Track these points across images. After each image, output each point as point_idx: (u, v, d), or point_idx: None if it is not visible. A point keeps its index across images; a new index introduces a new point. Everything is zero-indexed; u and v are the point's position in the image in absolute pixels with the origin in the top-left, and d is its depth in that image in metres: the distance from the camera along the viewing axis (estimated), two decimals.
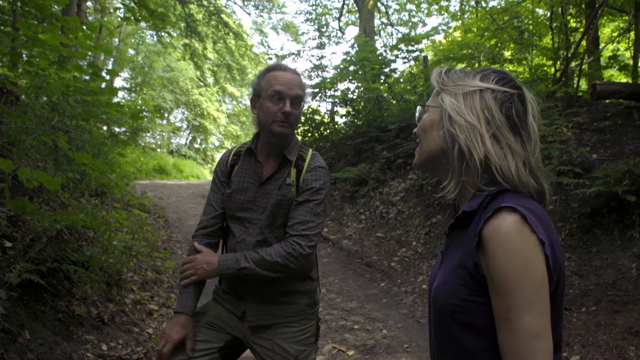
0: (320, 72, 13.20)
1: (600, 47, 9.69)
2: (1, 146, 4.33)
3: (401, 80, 11.16)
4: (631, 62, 9.21)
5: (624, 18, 10.51)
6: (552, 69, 8.69)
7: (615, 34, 11.49)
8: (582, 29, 8.49)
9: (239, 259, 1.86)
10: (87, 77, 6.30)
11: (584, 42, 8.18)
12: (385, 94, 10.55)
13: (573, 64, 8.09)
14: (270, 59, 20.30)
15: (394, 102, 10.30)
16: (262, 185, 1.94)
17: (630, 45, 9.66)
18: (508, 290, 0.93)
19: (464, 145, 1.05)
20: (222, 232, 2.08)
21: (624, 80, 10.36)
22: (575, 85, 7.94)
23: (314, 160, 1.96)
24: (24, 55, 5.07)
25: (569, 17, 8.76)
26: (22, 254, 3.21)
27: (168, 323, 1.96)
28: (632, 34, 9.11)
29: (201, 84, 27.14)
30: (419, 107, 1.20)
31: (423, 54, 11.34)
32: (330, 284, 5.75)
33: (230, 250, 2.02)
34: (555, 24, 8.40)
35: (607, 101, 7.25)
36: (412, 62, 11.49)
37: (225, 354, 1.97)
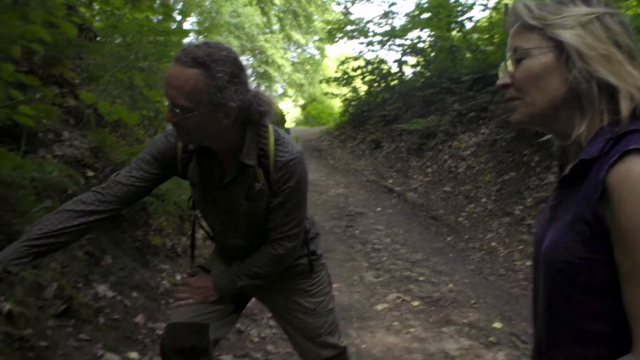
0: (388, 21, 12.73)
1: None
2: (82, 81, 4.45)
3: (478, 29, 10.56)
4: None
5: None
6: None
7: None
8: None
9: (233, 279, 1.73)
10: (159, 17, 6.34)
11: None
12: (459, 44, 10.05)
13: None
14: (338, 4, 19.76)
15: (469, 52, 9.80)
16: (224, 189, 1.63)
17: None
18: (639, 245, 0.79)
19: (611, 79, 0.88)
20: (119, 208, 1.64)
21: None
22: None
23: (280, 155, 1.56)
24: None
25: None
26: (102, 182, 3.31)
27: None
28: None
29: (267, 30, 26.97)
30: (514, 54, 0.98)
31: (504, 2, 10.64)
32: (394, 235, 5.69)
33: (220, 249, 1.91)
34: None
35: None
36: (490, 10, 10.83)
37: (237, 306, 1.90)
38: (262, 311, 3.47)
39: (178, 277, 3.36)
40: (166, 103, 1.43)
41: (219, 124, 1.45)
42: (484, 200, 6.19)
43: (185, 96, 1.37)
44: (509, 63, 1.00)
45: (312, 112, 23.77)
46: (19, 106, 2.30)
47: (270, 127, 1.59)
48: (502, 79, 1.01)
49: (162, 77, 6.82)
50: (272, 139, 1.57)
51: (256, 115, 1.53)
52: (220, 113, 1.43)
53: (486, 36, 9.40)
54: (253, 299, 2.01)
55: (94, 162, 3.37)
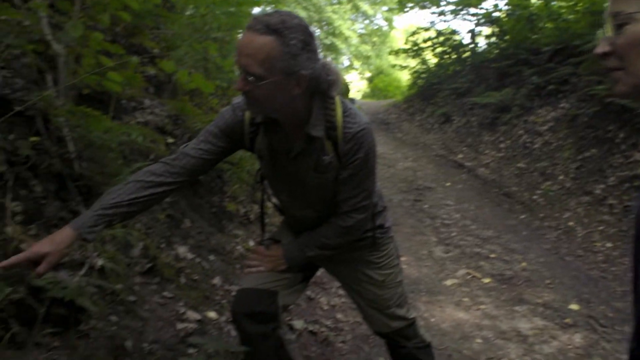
0: None
1: None
2: (160, 50, 4.58)
3: None
4: None
5: None
6: None
7: None
8: None
9: (303, 249, 1.74)
10: None
11: None
12: (540, 12, 9.48)
13: None
14: None
15: (550, 21, 9.23)
16: (292, 162, 1.62)
17: None
18: None
19: None
20: (188, 180, 1.66)
21: None
22: None
23: (348, 126, 1.53)
24: None
25: None
26: None
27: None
28: None
29: (334, 1, 26.64)
30: (615, 19, 0.88)
31: None
32: (464, 210, 5.56)
33: (288, 221, 1.90)
34: None
35: None
36: None
37: (306, 275, 1.92)
38: (331, 280, 3.51)
39: (251, 243, 3.46)
40: (237, 73, 1.42)
41: (290, 93, 1.42)
42: (561, 177, 5.90)
43: (259, 63, 1.34)
44: (609, 29, 0.90)
45: (379, 84, 23.44)
46: (107, 73, 2.39)
47: (337, 99, 1.55)
48: (601, 47, 0.91)
49: (234, 48, 6.93)
50: (339, 111, 1.54)
51: (324, 84, 1.50)
52: (292, 81, 1.40)
53: (570, 3, 8.81)
54: (322, 269, 2.03)
55: (173, 130, 3.49)
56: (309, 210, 1.73)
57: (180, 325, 2.17)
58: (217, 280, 2.76)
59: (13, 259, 1.35)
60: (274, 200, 1.91)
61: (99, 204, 1.49)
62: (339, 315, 3.15)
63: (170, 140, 3.37)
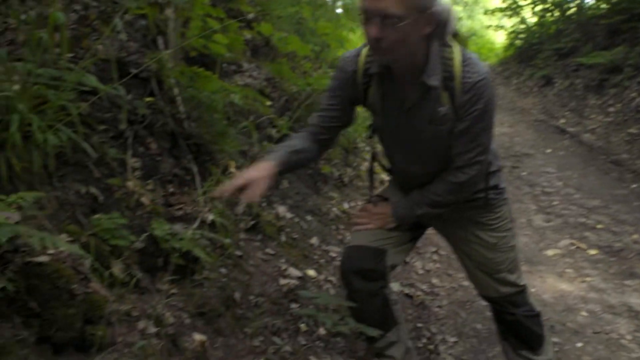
0: None
1: None
2: (256, 14, 4.63)
3: None
4: None
5: None
6: None
7: None
8: None
9: (412, 206, 1.69)
10: None
11: None
12: None
13: None
14: None
15: None
16: (406, 114, 1.58)
17: None
18: None
19: None
20: (330, 137, 1.74)
21: None
22: None
23: (467, 76, 1.45)
24: None
25: None
26: (278, 113, 3.48)
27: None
28: None
29: None
30: None
31: None
32: (567, 179, 5.23)
33: (397, 179, 1.85)
34: None
35: None
36: None
37: (414, 235, 1.88)
38: (426, 245, 3.47)
39: (345, 205, 3.48)
40: (362, 24, 1.40)
41: (421, 33, 1.40)
42: None
43: (397, 3, 1.31)
44: None
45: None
46: (213, 36, 2.45)
47: (456, 47, 1.48)
48: None
49: (326, 12, 6.87)
50: (457, 59, 1.45)
51: (444, 25, 1.44)
52: (424, 20, 1.37)
53: None
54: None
55: (271, 92, 3.54)
56: (420, 166, 1.69)
57: (282, 281, 2.24)
58: (314, 240, 2.82)
59: (231, 184, 1.45)
60: (382, 158, 1.89)
61: (280, 150, 1.62)
62: (435, 280, 3.11)
63: (268, 102, 3.43)
